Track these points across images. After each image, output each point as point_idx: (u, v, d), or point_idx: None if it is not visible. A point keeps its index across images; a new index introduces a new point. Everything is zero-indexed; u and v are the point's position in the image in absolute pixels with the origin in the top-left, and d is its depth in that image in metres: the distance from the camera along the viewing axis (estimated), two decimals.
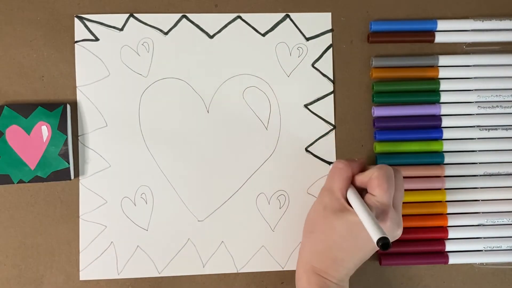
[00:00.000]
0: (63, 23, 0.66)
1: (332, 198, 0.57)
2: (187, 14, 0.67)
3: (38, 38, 0.65)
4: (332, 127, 0.67)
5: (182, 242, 0.66)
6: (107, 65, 0.66)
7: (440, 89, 0.67)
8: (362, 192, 0.58)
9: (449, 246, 0.66)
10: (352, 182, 0.59)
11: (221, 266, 0.66)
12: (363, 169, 0.60)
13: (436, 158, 0.67)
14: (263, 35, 0.68)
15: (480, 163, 0.67)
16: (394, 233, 0.55)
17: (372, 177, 0.56)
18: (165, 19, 0.67)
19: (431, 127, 0.67)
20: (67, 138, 0.64)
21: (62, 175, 0.63)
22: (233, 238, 0.66)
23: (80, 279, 0.64)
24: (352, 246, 0.56)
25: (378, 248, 0.49)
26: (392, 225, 0.54)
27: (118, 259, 0.65)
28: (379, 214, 0.54)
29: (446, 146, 0.67)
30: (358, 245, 0.56)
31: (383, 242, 0.48)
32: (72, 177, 0.64)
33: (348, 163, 0.59)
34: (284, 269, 0.66)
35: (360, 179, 0.58)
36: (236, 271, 0.66)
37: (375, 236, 0.49)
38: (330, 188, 0.58)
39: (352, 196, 0.56)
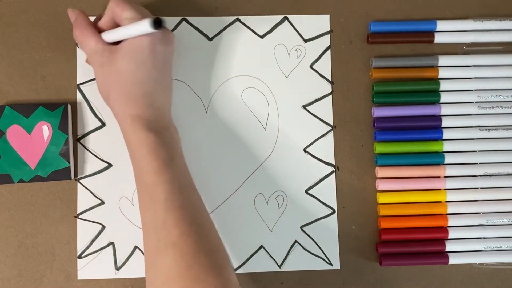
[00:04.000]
0: (65, 24, 0.67)
1: (99, 53, 0.57)
2: (187, 17, 0.67)
3: (40, 40, 0.66)
4: (330, 128, 0.67)
5: None
6: None
7: (440, 89, 0.67)
8: None
9: (449, 247, 0.65)
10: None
11: None
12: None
13: (436, 159, 0.66)
14: (262, 37, 0.68)
15: (480, 163, 0.67)
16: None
17: (110, 8, 0.58)
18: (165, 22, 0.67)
19: (431, 127, 0.67)
20: (67, 137, 0.64)
21: (62, 174, 0.64)
22: (231, 238, 0.66)
23: (78, 278, 0.64)
24: (143, 71, 0.56)
25: (163, 51, 0.56)
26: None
27: (116, 259, 0.65)
28: None
29: (446, 147, 0.66)
30: (146, 66, 0.56)
31: (154, 20, 0.51)
32: (73, 176, 0.64)
33: (77, 14, 0.61)
34: (283, 269, 0.66)
35: (103, 22, 0.60)
36: (234, 271, 0.66)
37: (145, 24, 0.52)
38: (90, 49, 0.58)
39: (108, 33, 0.58)
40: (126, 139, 0.58)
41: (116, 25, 0.59)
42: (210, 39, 0.68)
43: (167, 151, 0.55)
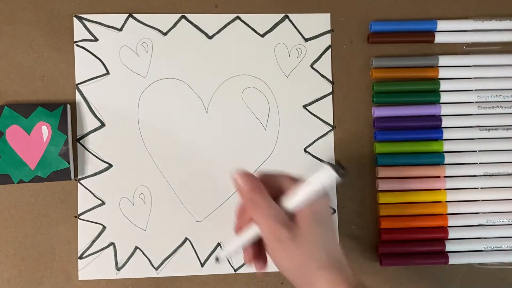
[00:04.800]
0: (63, 23, 0.66)
1: (286, 226, 0.49)
2: (186, 15, 0.67)
3: (38, 38, 0.66)
4: (331, 128, 0.67)
5: (180, 242, 0.66)
6: (106, 65, 0.66)
7: (440, 89, 0.67)
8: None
9: (449, 246, 0.66)
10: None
11: (220, 266, 0.66)
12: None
13: (436, 159, 0.67)
14: (262, 35, 0.68)
15: (480, 163, 0.67)
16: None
17: (279, 181, 0.51)
18: (164, 20, 0.67)
19: (431, 127, 0.67)
20: (67, 138, 0.64)
21: (62, 175, 0.64)
22: (231, 238, 0.66)
23: (79, 278, 0.64)
24: (330, 231, 0.51)
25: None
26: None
27: (117, 259, 0.65)
28: None
29: (446, 147, 0.67)
30: (330, 226, 0.51)
31: (337, 164, 0.45)
32: (72, 177, 0.64)
33: (255, 187, 0.51)
34: None
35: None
36: (234, 272, 0.66)
37: (327, 171, 0.46)
38: (275, 221, 0.49)
39: (288, 198, 0.50)
40: None
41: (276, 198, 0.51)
42: (210, 37, 0.68)
43: None
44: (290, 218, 0.49)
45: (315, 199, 0.49)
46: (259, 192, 0.50)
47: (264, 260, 0.55)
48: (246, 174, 0.51)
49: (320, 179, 0.47)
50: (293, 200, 0.49)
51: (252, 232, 0.51)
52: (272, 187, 0.51)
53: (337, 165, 0.45)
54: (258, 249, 0.54)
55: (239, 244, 0.53)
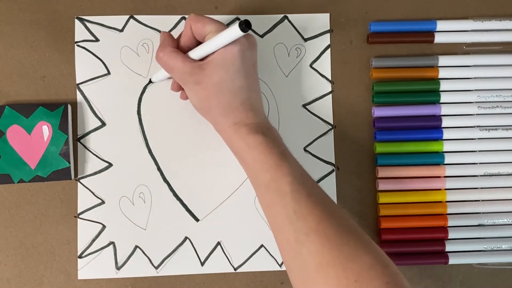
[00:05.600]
0: (64, 24, 0.67)
1: (190, 72, 0.58)
2: (186, 16, 0.67)
3: (40, 39, 0.66)
4: (330, 127, 0.67)
5: (180, 241, 0.66)
6: (107, 65, 0.67)
7: (440, 89, 0.67)
8: None
9: (449, 247, 0.65)
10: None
11: (220, 265, 0.66)
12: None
13: (436, 159, 0.67)
14: (262, 36, 0.68)
15: (480, 163, 0.67)
16: None
17: (193, 26, 0.59)
18: (165, 21, 0.67)
19: (431, 127, 0.67)
20: (67, 137, 0.64)
21: (62, 174, 0.64)
22: (231, 237, 0.66)
23: (79, 278, 0.64)
24: (238, 79, 0.58)
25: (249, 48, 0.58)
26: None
27: (117, 258, 0.65)
28: None
29: (446, 147, 0.67)
30: (240, 73, 0.58)
31: (242, 23, 0.52)
32: (73, 176, 0.64)
33: (162, 41, 0.61)
34: (283, 268, 0.66)
35: (182, 41, 0.61)
36: (234, 271, 0.66)
37: (234, 29, 0.53)
38: (179, 70, 0.58)
39: (195, 50, 0.59)
40: (233, 147, 0.59)
41: (196, 42, 0.61)
42: None
43: (278, 147, 0.56)
44: (200, 61, 0.58)
45: (225, 47, 0.56)
46: (164, 45, 0.60)
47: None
48: (163, 32, 0.63)
49: (227, 33, 0.54)
50: (199, 50, 0.58)
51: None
52: (199, 30, 0.59)
53: (244, 23, 0.52)
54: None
55: (164, 75, 0.65)
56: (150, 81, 0.67)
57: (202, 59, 0.58)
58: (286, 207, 0.53)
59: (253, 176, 0.58)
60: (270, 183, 0.54)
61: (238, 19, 0.68)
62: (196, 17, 0.59)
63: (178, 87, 0.65)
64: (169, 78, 0.65)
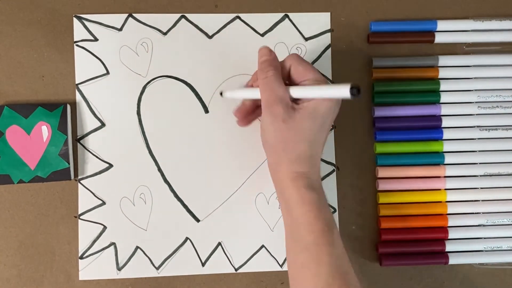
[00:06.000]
0: (63, 23, 0.66)
1: (285, 107, 0.55)
2: (186, 15, 0.67)
3: (38, 38, 0.66)
4: (331, 127, 0.67)
5: (181, 242, 0.66)
6: (106, 65, 0.66)
7: (440, 89, 0.67)
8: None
9: (449, 247, 0.66)
10: None
11: (220, 266, 0.66)
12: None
13: (436, 159, 0.67)
14: (262, 35, 0.68)
15: (480, 163, 0.67)
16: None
17: (294, 66, 0.58)
18: (164, 19, 0.67)
19: (431, 127, 0.67)
20: (67, 138, 0.64)
21: (62, 175, 0.64)
22: (232, 238, 0.66)
23: (80, 279, 0.64)
24: (319, 133, 0.56)
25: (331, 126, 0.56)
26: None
27: (118, 259, 0.65)
28: None
29: (447, 147, 0.67)
30: (323, 128, 0.56)
31: (354, 86, 0.50)
32: (72, 177, 0.64)
33: (271, 60, 0.58)
34: (284, 269, 0.66)
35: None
36: (235, 271, 0.66)
37: (344, 89, 0.51)
38: (276, 98, 0.55)
39: (297, 89, 0.56)
40: (284, 193, 0.57)
41: (286, 78, 0.59)
42: (210, 37, 0.68)
43: (327, 211, 0.55)
44: (293, 103, 0.56)
45: (323, 99, 0.55)
46: (273, 66, 0.57)
47: (249, 121, 0.64)
48: (267, 47, 0.59)
49: (335, 89, 0.53)
50: (302, 91, 0.56)
51: (257, 93, 0.58)
52: (299, 74, 0.57)
53: (354, 88, 0.50)
54: (252, 109, 0.63)
55: (243, 95, 0.62)
56: (221, 94, 0.64)
57: (294, 100, 0.56)
58: (320, 277, 0.52)
59: (295, 230, 0.55)
60: (311, 246, 0.53)
61: (238, 18, 0.67)
62: (299, 59, 0.57)
63: (246, 113, 0.63)
64: (244, 100, 0.62)
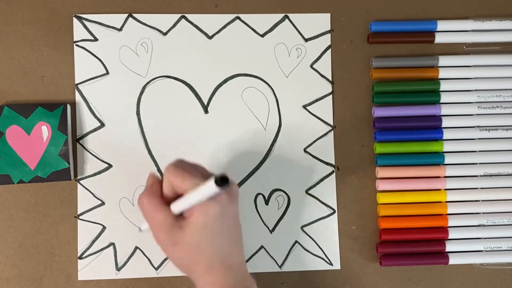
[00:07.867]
0: (63, 23, 0.66)
1: (168, 231, 0.52)
2: (186, 15, 0.67)
3: (38, 38, 0.66)
4: (330, 128, 0.67)
5: None
6: (106, 65, 0.66)
7: (440, 89, 0.67)
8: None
9: (449, 247, 0.66)
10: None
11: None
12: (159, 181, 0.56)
13: (436, 159, 0.67)
14: (262, 36, 0.68)
15: (480, 163, 0.67)
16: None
17: (171, 180, 0.53)
18: (164, 20, 0.67)
19: (431, 127, 0.67)
20: (67, 138, 0.64)
21: (62, 175, 0.64)
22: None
23: (79, 279, 0.64)
24: (220, 238, 0.52)
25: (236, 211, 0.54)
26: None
27: (117, 259, 0.65)
28: None
29: (446, 147, 0.67)
30: (222, 231, 0.53)
31: (218, 177, 0.46)
32: (72, 177, 0.64)
33: (147, 188, 0.55)
34: (283, 269, 0.66)
35: (166, 191, 0.54)
36: None
37: (210, 186, 0.47)
38: (158, 226, 0.53)
39: (175, 205, 0.53)
40: None
41: (177, 192, 0.54)
42: (210, 37, 0.68)
43: None
44: (181, 220, 0.52)
45: (204, 203, 0.50)
46: (148, 192, 0.53)
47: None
48: (152, 175, 0.56)
49: (204, 190, 0.49)
50: (179, 205, 0.52)
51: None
52: (178, 186, 0.52)
53: (219, 179, 0.46)
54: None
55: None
56: (140, 230, 0.60)
57: (181, 214, 0.53)
58: None
59: None
60: None
61: (238, 18, 0.67)
62: (174, 170, 0.53)
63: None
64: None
